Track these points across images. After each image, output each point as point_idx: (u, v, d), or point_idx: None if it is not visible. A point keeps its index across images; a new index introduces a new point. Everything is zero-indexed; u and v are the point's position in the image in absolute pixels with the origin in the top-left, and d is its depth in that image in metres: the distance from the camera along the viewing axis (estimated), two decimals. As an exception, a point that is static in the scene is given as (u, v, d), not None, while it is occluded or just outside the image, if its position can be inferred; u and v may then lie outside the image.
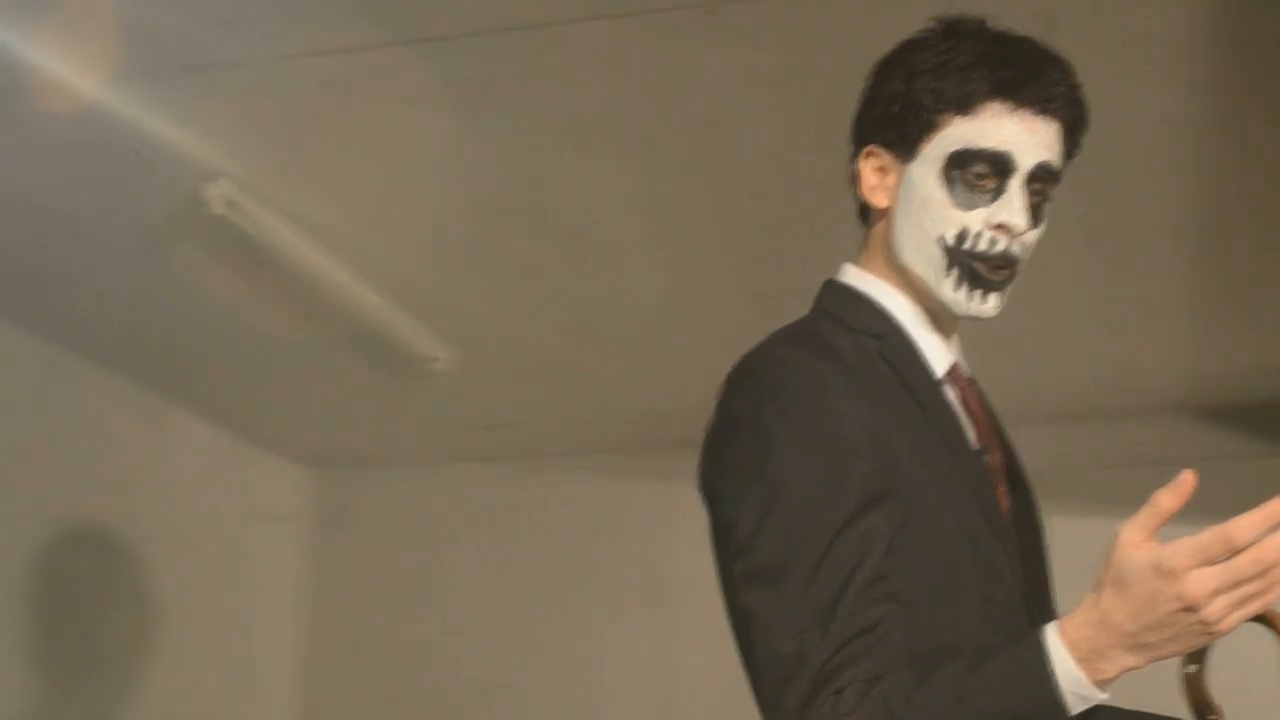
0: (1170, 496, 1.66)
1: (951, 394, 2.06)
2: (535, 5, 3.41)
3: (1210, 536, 1.63)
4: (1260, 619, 1.94)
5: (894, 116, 2.03)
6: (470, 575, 6.16)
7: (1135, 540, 1.66)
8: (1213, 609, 1.63)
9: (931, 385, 2.03)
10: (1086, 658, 1.68)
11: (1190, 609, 1.62)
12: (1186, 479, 1.66)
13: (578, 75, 3.65)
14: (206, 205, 3.98)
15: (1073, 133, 2.03)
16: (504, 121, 3.85)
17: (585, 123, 3.84)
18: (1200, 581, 1.62)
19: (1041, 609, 2.03)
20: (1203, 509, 5.66)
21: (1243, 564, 1.62)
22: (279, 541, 6.24)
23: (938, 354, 2.06)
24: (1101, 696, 1.70)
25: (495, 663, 6.08)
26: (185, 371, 5.28)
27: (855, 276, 2.10)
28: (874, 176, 2.07)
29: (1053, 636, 1.69)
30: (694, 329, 4.95)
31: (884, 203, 2.06)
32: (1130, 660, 1.68)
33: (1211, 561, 1.62)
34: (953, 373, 2.07)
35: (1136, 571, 1.64)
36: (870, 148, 2.07)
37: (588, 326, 4.95)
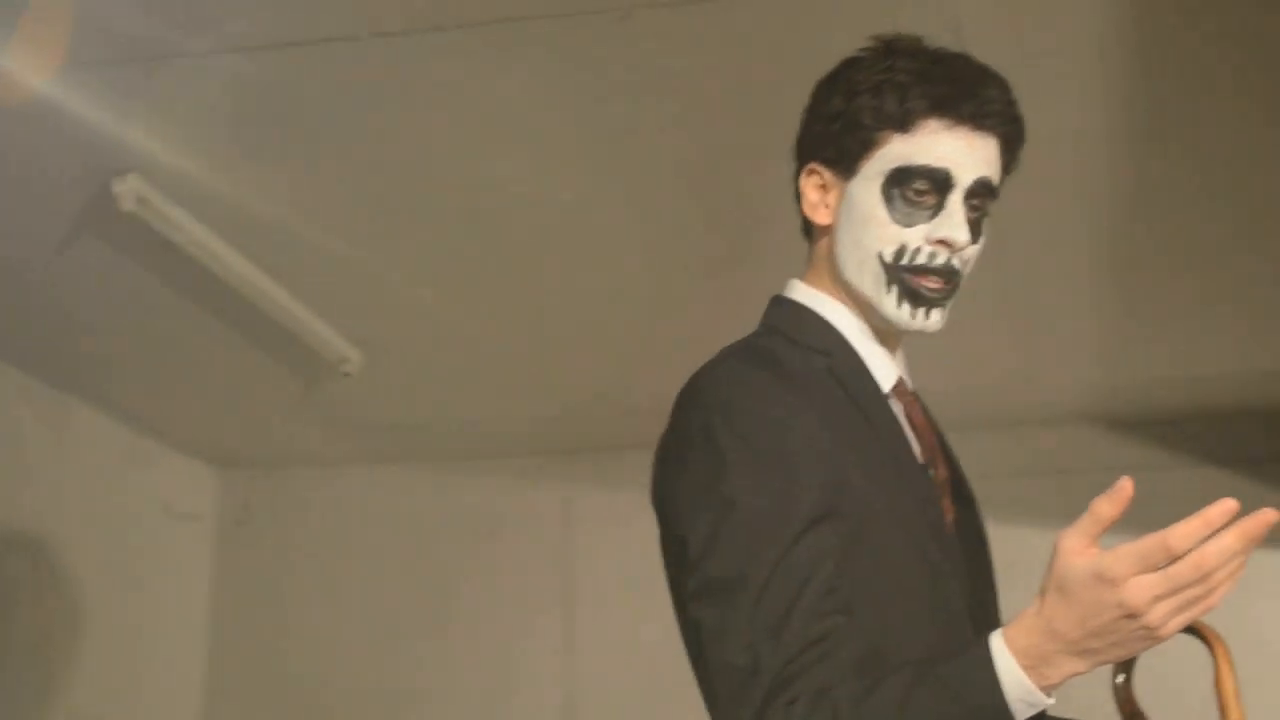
0: (1109, 504, 1.68)
1: (897, 408, 2.09)
2: (448, 6, 3.41)
3: (1150, 544, 1.66)
4: (1190, 630, 1.98)
5: (834, 135, 2.06)
6: (376, 577, 6.14)
7: (1076, 548, 1.68)
8: (1154, 615, 1.65)
9: (878, 401, 2.05)
10: (1033, 664, 1.70)
11: (1132, 615, 1.65)
12: (1124, 486, 1.69)
13: (491, 76, 3.65)
14: (116, 201, 3.95)
15: (1010, 148, 2.07)
16: (416, 122, 3.84)
17: (499, 125, 3.84)
18: (1141, 589, 1.64)
19: (986, 618, 2.06)
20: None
21: (1183, 570, 1.65)
22: (185, 541, 6.20)
23: (884, 369, 2.09)
24: (1048, 701, 1.72)
25: (400, 665, 6.06)
26: (93, 369, 5.23)
27: (802, 292, 2.13)
28: (815, 194, 2.10)
29: (998, 644, 1.71)
30: (602, 335, 4.96)
31: (826, 220, 2.09)
32: (1075, 665, 1.71)
33: (1152, 568, 1.65)
34: (898, 387, 2.10)
35: (1079, 579, 1.67)
36: (811, 165, 2.10)
37: (496, 330, 4.95)
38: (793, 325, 2.09)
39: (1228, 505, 1.69)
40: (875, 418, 2.02)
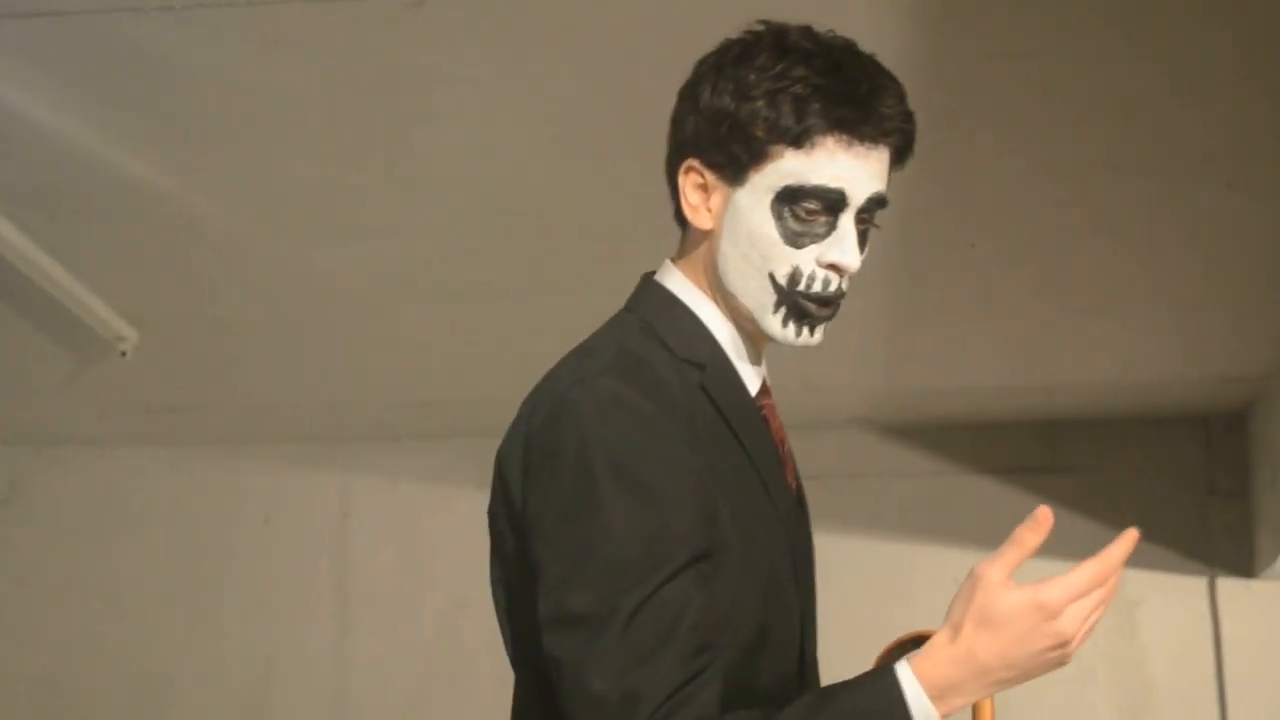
0: (1031, 533, 1.69)
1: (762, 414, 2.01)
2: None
3: (1089, 574, 1.68)
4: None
5: (721, 139, 1.92)
6: (146, 561, 6.03)
7: (1000, 579, 1.68)
8: (1077, 640, 1.69)
9: (751, 414, 1.97)
10: (942, 694, 1.70)
11: (1063, 643, 1.68)
12: (1044, 515, 1.68)
13: (278, 58, 3.61)
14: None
15: (901, 154, 1.97)
16: (197, 101, 3.78)
17: (284, 107, 3.80)
18: (1076, 617, 1.67)
19: (812, 630, 2.02)
20: (879, 523, 5.85)
21: (1103, 593, 1.69)
22: (-55, 519, 6.05)
23: (751, 375, 2.00)
24: None
25: (167, 651, 5.97)
26: None
27: (677, 282, 2.01)
28: (696, 195, 1.96)
29: (907, 676, 1.70)
30: (385, 324, 4.93)
31: (707, 225, 1.95)
32: (982, 693, 1.71)
33: (1087, 591, 1.68)
34: (761, 391, 2.02)
35: (1011, 610, 1.67)
36: (691, 163, 1.96)
37: (276, 314, 4.89)
38: (667, 326, 1.96)
39: (1135, 533, 1.71)
40: (747, 435, 1.94)
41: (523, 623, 1.89)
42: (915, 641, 1.95)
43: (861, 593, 5.36)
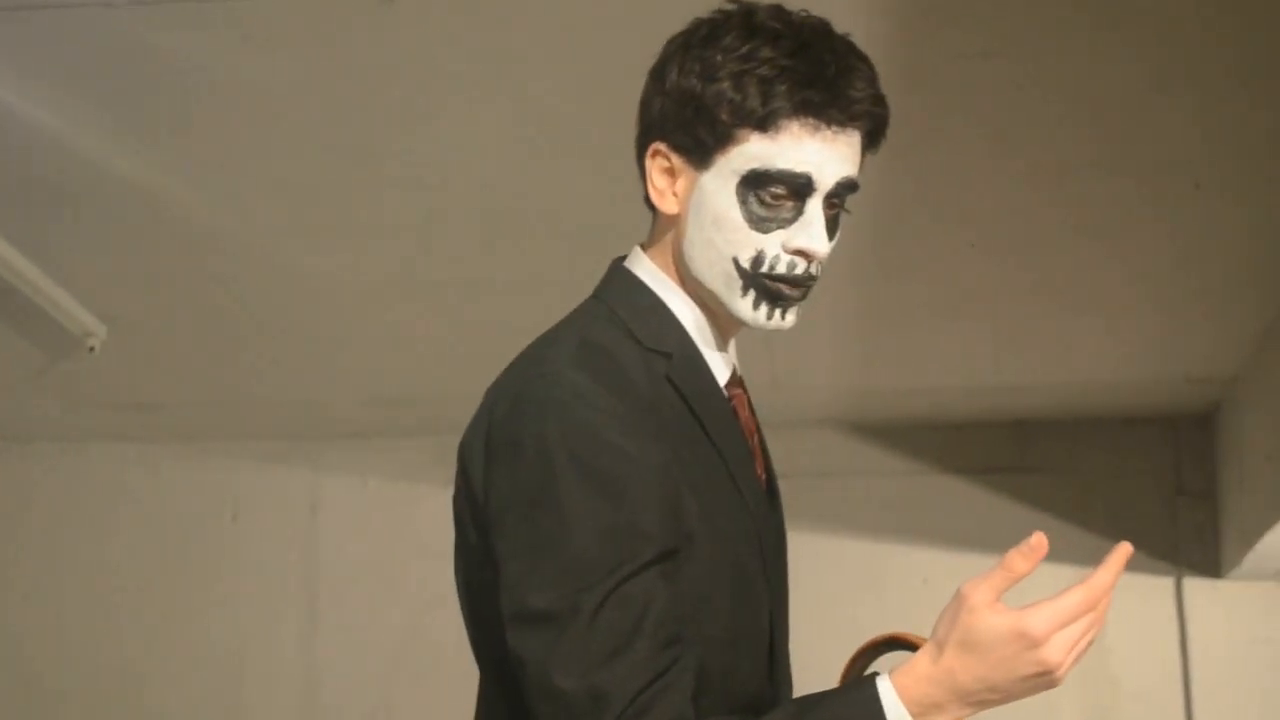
0: (1022, 559, 1.65)
1: (731, 404, 1.97)
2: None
3: (1075, 602, 1.65)
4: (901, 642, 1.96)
5: (687, 121, 1.88)
6: (113, 557, 6.02)
7: (987, 601, 1.65)
8: (1064, 667, 1.66)
9: (719, 404, 1.93)
10: (923, 712, 1.68)
11: (1047, 671, 1.65)
12: (1038, 541, 1.65)
13: (252, 54, 3.59)
14: None
15: (874, 136, 1.92)
16: (165, 96, 3.77)
17: (258, 103, 3.79)
18: (1062, 646, 1.65)
19: (784, 627, 1.99)
20: (850, 522, 5.87)
21: (1093, 618, 1.67)
22: (-90, 514, 6.03)
23: (720, 365, 1.96)
24: None
25: (135, 647, 5.96)
26: None
27: (646, 269, 1.97)
28: (662, 179, 1.92)
29: (888, 693, 1.68)
30: (356, 321, 4.93)
31: (673, 209, 1.92)
32: (964, 712, 1.69)
33: (1074, 619, 1.65)
34: (731, 380, 1.98)
35: (994, 635, 1.65)
36: (658, 146, 1.91)
37: (245, 312, 4.88)
38: (634, 315, 1.92)
39: (1128, 548, 1.69)
40: (714, 426, 1.90)
41: (486, 618, 1.86)
42: (888, 643, 1.93)
43: (832, 591, 5.37)
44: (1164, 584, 5.56)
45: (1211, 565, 5.54)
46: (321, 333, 5.02)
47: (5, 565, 6.08)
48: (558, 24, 3.49)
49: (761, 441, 2.04)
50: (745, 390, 2.02)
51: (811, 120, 1.85)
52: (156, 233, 4.40)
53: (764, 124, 1.85)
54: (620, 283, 1.98)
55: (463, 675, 6.33)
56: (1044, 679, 1.67)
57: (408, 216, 4.29)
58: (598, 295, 1.98)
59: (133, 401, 5.64)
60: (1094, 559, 1.69)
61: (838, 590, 5.41)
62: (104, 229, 4.39)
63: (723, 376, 1.97)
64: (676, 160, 1.91)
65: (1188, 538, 5.58)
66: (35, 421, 5.87)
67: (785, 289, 1.88)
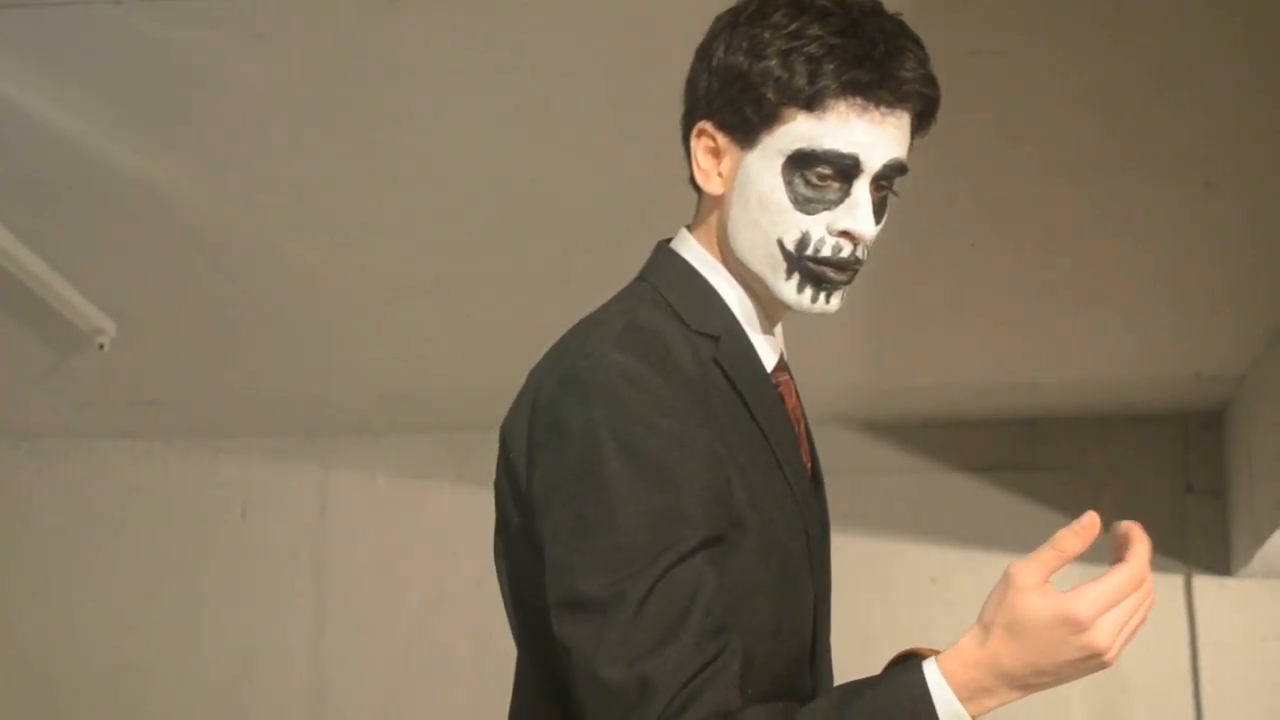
0: (1074, 539, 1.62)
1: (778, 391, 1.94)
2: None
3: (1119, 582, 1.62)
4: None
5: (733, 100, 1.85)
6: (122, 554, 6.02)
7: (1033, 584, 1.62)
8: (1114, 650, 1.62)
9: (766, 390, 1.90)
10: (972, 696, 1.63)
11: (1097, 654, 1.61)
12: (1091, 520, 1.62)
13: (260, 51, 3.59)
14: None
15: (924, 119, 1.90)
16: (174, 92, 3.77)
17: (266, 100, 3.79)
18: (1109, 630, 1.61)
19: (825, 619, 1.96)
20: (859, 521, 5.85)
21: (1140, 596, 1.63)
22: (-80, 511, 6.03)
23: (767, 348, 1.94)
24: None
25: (144, 645, 5.96)
26: None
27: (693, 251, 1.94)
28: (707, 160, 1.89)
29: (934, 675, 1.64)
30: (365, 318, 4.93)
31: (719, 191, 1.89)
32: (1014, 696, 1.65)
33: (1120, 600, 1.62)
34: (778, 366, 1.96)
35: (1039, 620, 1.61)
36: (703, 125, 1.88)
37: (255, 309, 4.88)
38: (681, 297, 1.89)
39: (1130, 524, 1.67)
40: (761, 411, 1.87)
41: (527, 602, 1.84)
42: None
43: (840, 589, 5.31)
44: (1174, 581, 5.55)
45: (1221, 563, 5.53)
46: (331, 329, 5.02)
47: (13, 562, 6.08)
48: (560, 21, 3.49)
49: (807, 429, 2.01)
50: (791, 376, 2.00)
51: (860, 100, 1.82)
52: (166, 229, 4.40)
53: (811, 103, 1.82)
54: (666, 265, 1.95)
55: (471, 672, 6.37)
56: (1093, 662, 1.62)
57: (417, 213, 4.30)
58: (643, 277, 1.95)
59: (142, 398, 5.64)
60: (1104, 557, 1.66)
61: (846, 588, 5.33)
62: (114, 226, 4.40)
63: (770, 361, 1.94)
64: (722, 140, 1.88)
65: (1197, 535, 5.57)
66: (44, 418, 5.87)
67: (830, 272, 1.85)
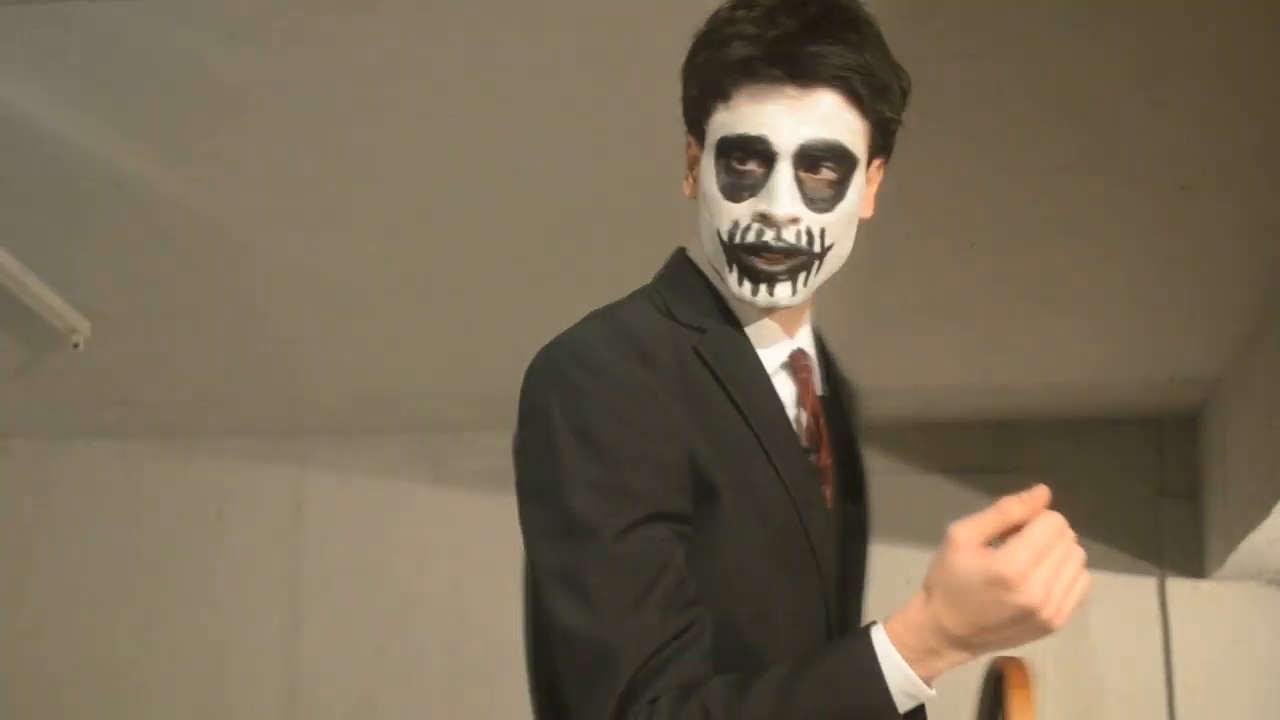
0: (1018, 505, 1.64)
1: (788, 386, 1.95)
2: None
3: (1039, 531, 1.62)
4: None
5: (686, 106, 1.92)
6: (96, 553, 6.01)
7: (969, 543, 1.63)
8: (1049, 607, 1.61)
9: (756, 379, 1.91)
10: (919, 658, 1.64)
11: (1031, 612, 1.61)
12: (1040, 491, 1.64)
13: (234, 46, 3.59)
14: None
15: (871, 100, 1.88)
16: (151, 91, 3.76)
17: (244, 97, 3.78)
18: (1038, 586, 1.60)
19: (845, 618, 1.98)
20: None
21: (1065, 550, 1.63)
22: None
23: (769, 341, 1.94)
24: (930, 694, 1.67)
25: (119, 645, 5.95)
26: None
27: (698, 254, 1.96)
28: (689, 165, 1.94)
29: (880, 637, 1.65)
30: (341, 318, 4.92)
31: (690, 194, 1.94)
32: (963, 656, 1.66)
33: (1045, 555, 1.61)
34: (794, 362, 1.96)
35: (971, 580, 1.62)
36: (688, 135, 1.94)
37: (230, 309, 4.88)
38: (676, 295, 1.92)
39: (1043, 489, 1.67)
40: (744, 399, 1.87)
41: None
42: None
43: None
44: (1147, 584, 5.56)
45: (1195, 566, 5.54)
46: (306, 329, 5.02)
47: (-12, 562, 6.07)
48: (540, 21, 3.49)
49: (834, 427, 2.01)
50: (816, 368, 2.01)
51: (764, 84, 1.83)
52: (141, 229, 4.39)
53: (725, 93, 1.85)
54: (672, 265, 1.99)
55: (445, 673, 6.37)
56: (1033, 621, 1.62)
57: (393, 213, 4.29)
58: (655, 277, 2.00)
59: (116, 398, 5.63)
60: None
61: (821, 589, 5.41)
62: (88, 225, 4.38)
63: (773, 353, 1.95)
64: (694, 145, 1.93)
65: (1171, 538, 5.58)
66: (18, 418, 5.86)
67: (759, 262, 1.86)
